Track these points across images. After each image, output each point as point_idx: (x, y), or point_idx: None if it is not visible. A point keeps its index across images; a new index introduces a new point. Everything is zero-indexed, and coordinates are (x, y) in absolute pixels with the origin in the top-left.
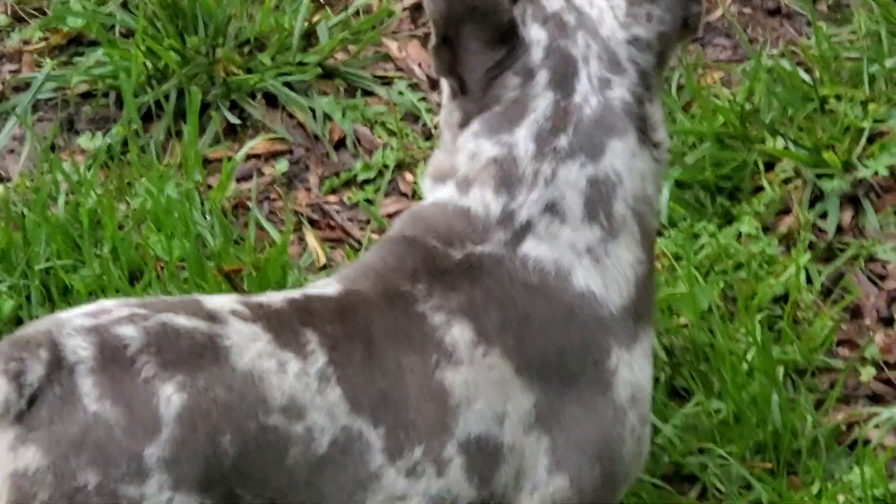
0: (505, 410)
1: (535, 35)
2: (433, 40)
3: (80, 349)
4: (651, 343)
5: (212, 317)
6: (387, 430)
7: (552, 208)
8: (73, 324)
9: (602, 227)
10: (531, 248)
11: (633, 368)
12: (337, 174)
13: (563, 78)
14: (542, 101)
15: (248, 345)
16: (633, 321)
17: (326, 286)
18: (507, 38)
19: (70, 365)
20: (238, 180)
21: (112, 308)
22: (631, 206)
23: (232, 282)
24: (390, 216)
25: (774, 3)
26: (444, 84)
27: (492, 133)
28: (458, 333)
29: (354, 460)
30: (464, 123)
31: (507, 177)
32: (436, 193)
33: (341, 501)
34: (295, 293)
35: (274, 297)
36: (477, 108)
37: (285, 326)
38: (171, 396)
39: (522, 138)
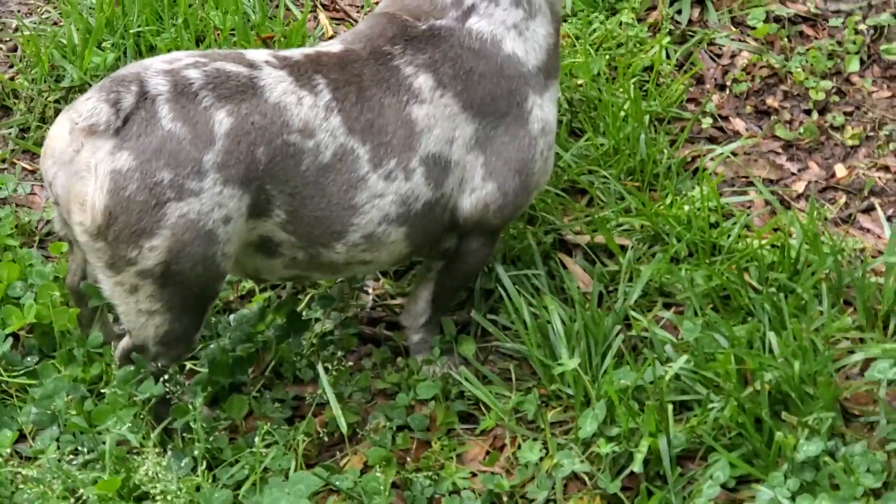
0: (454, 136)
1: None
2: None
3: (160, 85)
4: (556, 92)
5: (251, 64)
6: (371, 147)
7: None
8: (155, 67)
9: (524, 10)
10: (474, 22)
11: (544, 109)
12: None
13: None
14: None
15: (277, 84)
16: (544, 76)
17: (331, 45)
18: None
19: (153, 96)
20: None
21: (182, 57)
22: None
23: (267, 45)
24: (377, 1)
25: None
26: None
27: None
28: (423, 80)
29: (348, 167)
30: None
31: None
32: None
33: (338, 196)
34: (309, 49)
35: (295, 52)
36: None
37: (303, 72)
38: (222, 119)
39: None
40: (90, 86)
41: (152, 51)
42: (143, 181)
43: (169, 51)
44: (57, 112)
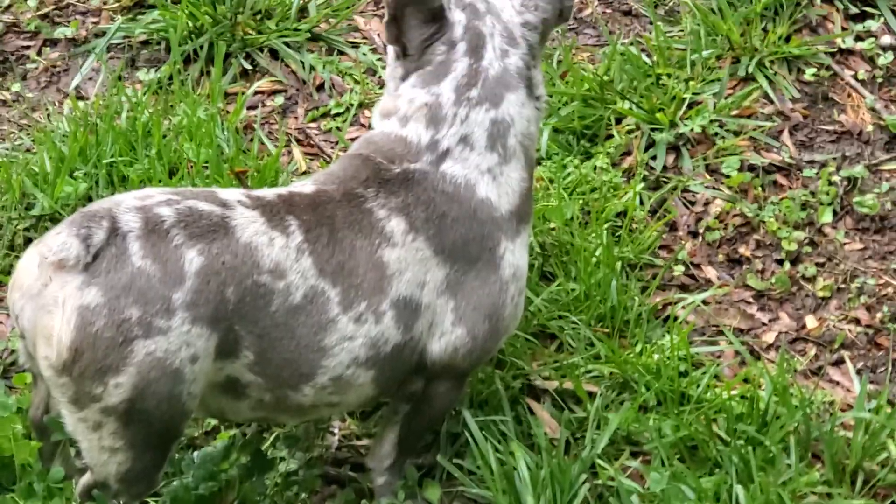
0: (425, 280)
1: (457, 17)
2: (386, 17)
3: (131, 221)
4: (528, 238)
5: (224, 203)
6: (342, 290)
7: (465, 140)
8: (127, 203)
9: (499, 154)
10: (449, 167)
11: (515, 254)
12: (317, 108)
13: (476, 48)
14: (461, 64)
15: (249, 225)
16: (517, 221)
17: (304, 186)
18: (438, 18)
19: (123, 232)
20: (248, 109)
21: (154, 194)
22: (519, 140)
23: (240, 179)
24: (352, 139)
25: (627, 6)
26: (390, 49)
27: (424, 85)
28: (395, 224)
29: (318, 309)
30: (404, 77)
31: (434, 116)
32: (382, 126)
33: (308, 338)
34: (282, 190)
35: (268, 192)
36: (414, 67)
37: (275, 213)
38: (193, 258)
39: (446, 89)
40: (61, 215)
41: (125, 181)
42: (111, 318)
43: (142, 182)
44: (27, 241)
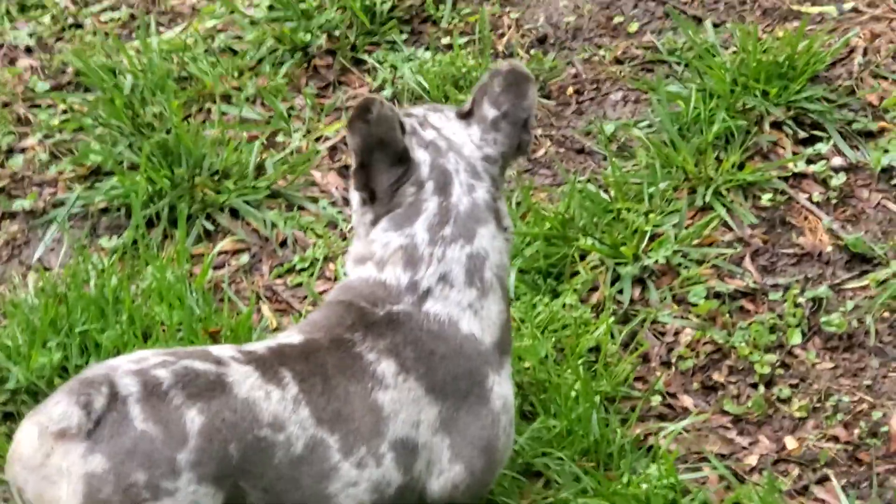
0: (419, 419)
1: (421, 156)
2: (353, 165)
3: (130, 385)
4: (510, 367)
5: (218, 361)
6: (341, 436)
7: (444, 278)
8: (123, 367)
9: (477, 289)
10: (431, 306)
11: (502, 385)
12: (282, 264)
13: (444, 186)
14: (431, 203)
15: (245, 380)
16: (500, 353)
17: (290, 337)
18: (404, 160)
19: (123, 397)
20: (213, 269)
21: (148, 356)
22: (495, 272)
23: (214, 340)
24: (321, 293)
25: (580, 145)
26: (355, 195)
27: (397, 227)
28: (386, 366)
29: (320, 458)
30: (375, 222)
31: (411, 258)
32: (358, 272)
33: (312, 487)
34: (271, 342)
35: (258, 346)
36: (385, 211)
37: (268, 366)
38: (194, 417)
39: (420, 230)
40: (37, 387)
41: (98, 349)
42: (118, 483)
43: (115, 349)
44: (5, 416)
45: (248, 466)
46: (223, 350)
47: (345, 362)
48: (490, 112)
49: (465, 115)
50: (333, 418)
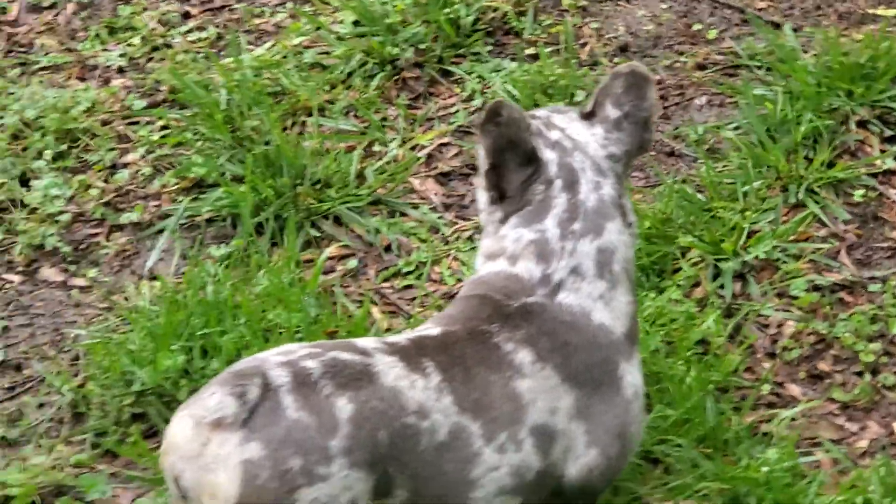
0: (556, 406)
1: (549, 156)
2: (485, 166)
3: (281, 377)
4: (640, 356)
5: (363, 352)
6: (482, 423)
7: (575, 270)
8: (273, 360)
9: (607, 281)
10: (564, 297)
11: (633, 374)
12: (387, 268)
13: (571, 183)
14: (560, 200)
15: (390, 370)
16: (629, 342)
17: (429, 329)
18: (533, 160)
19: (276, 387)
20: (322, 274)
21: (296, 349)
22: (623, 265)
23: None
24: (425, 295)
25: (669, 148)
26: (483, 195)
27: (528, 224)
28: (523, 356)
29: (463, 444)
30: (504, 219)
31: (542, 252)
32: (489, 267)
33: (455, 473)
34: (411, 334)
35: (399, 337)
36: (514, 209)
37: (411, 357)
38: (344, 406)
39: (550, 225)
40: (163, 388)
41: (218, 351)
42: (275, 469)
43: (237, 350)
44: (133, 416)
45: (396, 453)
46: (367, 342)
47: (483, 353)
48: (613, 112)
49: (588, 116)
50: (475, 406)
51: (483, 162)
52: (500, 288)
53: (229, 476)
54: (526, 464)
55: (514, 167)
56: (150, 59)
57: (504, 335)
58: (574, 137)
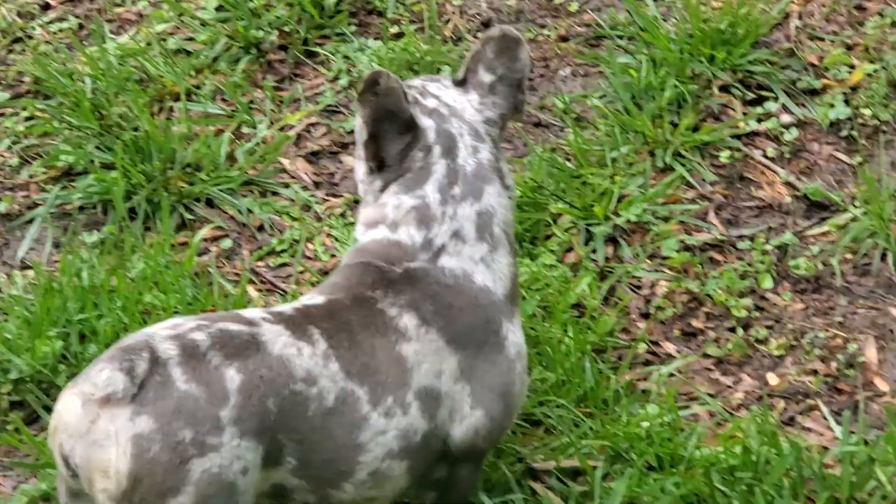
0: (441, 369)
1: (426, 123)
2: (364, 136)
3: (169, 350)
4: (520, 317)
5: (250, 322)
6: (369, 388)
7: (456, 234)
8: (160, 334)
9: (488, 244)
10: (446, 261)
11: (515, 333)
12: (261, 248)
13: (450, 149)
14: (439, 166)
15: (277, 339)
16: (511, 303)
17: (313, 298)
18: (410, 128)
19: (164, 360)
20: (197, 255)
21: (184, 322)
22: (503, 228)
23: None
24: (301, 272)
25: (536, 119)
26: (362, 165)
27: (408, 190)
28: (408, 320)
29: (351, 409)
30: (384, 188)
31: (423, 217)
32: (371, 235)
33: (344, 437)
34: (296, 303)
35: (285, 308)
36: (395, 176)
37: (297, 325)
38: (233, 376)
39: (431, 191)
40: (42, 373)
41: (96, 335)
42: (166, 441)
43: (116, 333)
44: (12, 405)
45: (286, 420)
46: (253, 312)
47: (368, 318)
48: (486, 77)
49: (461, 83)
50: (361, 371)
51: (361, 132)
52: (383, 255)
53: (120, 451)
54: (413, 427)
55: (393, 136)
56: (10, 52)
57: (388, 300)
58: (450, 104)
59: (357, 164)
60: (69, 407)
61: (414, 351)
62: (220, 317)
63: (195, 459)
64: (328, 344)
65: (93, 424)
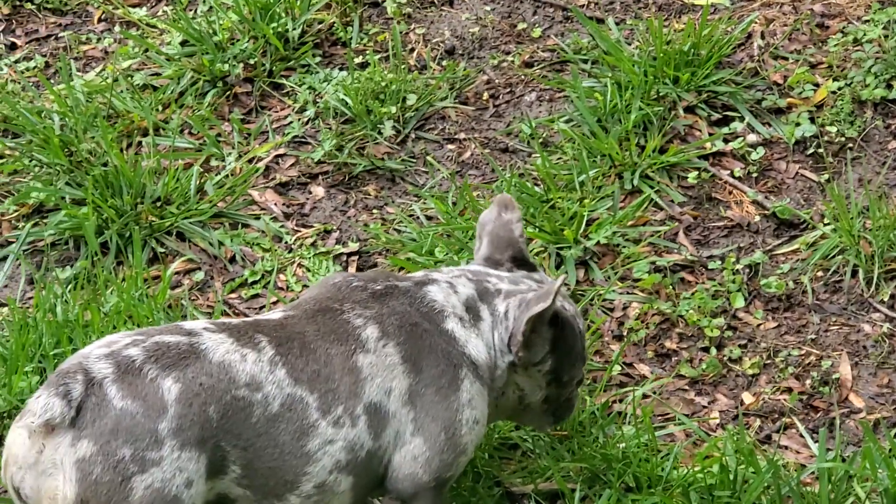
0: (391, 387)
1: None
2: None
3: (103, 369)
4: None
5: (189, 333)
6: (319, 395)
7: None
8: (95, 353)
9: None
10: (430, 291)
11: (473, 389)
12: (233, 279)
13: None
14: None
15: (218, 346)
16: (478, 376)
17: (270, 315)
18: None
19: (99, 380)
20: (170, 288)
21: (118, 339)
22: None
23: None
24: (274, 303)
25: (503, 144)
26: None
27: None
28: (371, 331)
29: (298, 416)
30: None
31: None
32: None
33: (290, 444)
34: (248, 319)
35: (232, 320)
36: None
37: (243, 333)
38: (170, 387)
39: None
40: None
41: None
42: (106, 462)
43: None
44: None
45: (228, 426)
46: (194, 323)
47: (329, 327)
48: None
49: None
50: (312, 378)
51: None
52: (364, 274)
53: (66, 478)
54: (360, 441)
55: None
56: None
57: (356, 311)
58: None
59: None
60: (17, 440)
61: (369, 363)
62: (157, 330)
63: (136, 476)
64: (276, 351)
65: (39, 455)
